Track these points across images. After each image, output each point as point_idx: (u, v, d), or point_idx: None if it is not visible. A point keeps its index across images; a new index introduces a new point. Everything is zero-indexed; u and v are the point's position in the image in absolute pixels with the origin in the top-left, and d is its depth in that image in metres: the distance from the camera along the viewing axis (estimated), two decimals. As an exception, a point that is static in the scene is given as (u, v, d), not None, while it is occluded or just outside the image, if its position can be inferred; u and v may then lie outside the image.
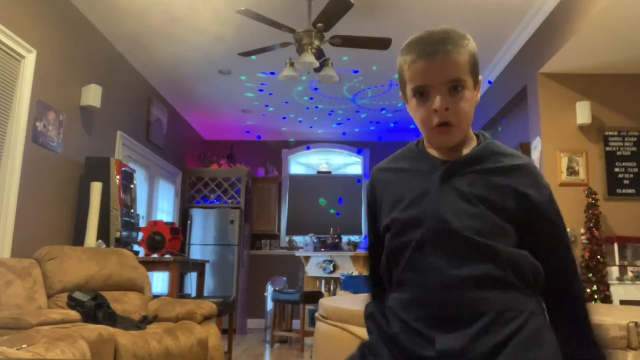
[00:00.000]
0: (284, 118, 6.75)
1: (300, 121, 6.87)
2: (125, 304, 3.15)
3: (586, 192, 3.95)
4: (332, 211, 7.44)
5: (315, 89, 5.67)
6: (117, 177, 4.00)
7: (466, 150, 1.04)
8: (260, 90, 5.75)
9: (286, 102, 6.15)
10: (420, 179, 1.03)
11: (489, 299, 0.93)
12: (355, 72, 5.15)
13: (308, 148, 7.70)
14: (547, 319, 1.00)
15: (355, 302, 2.42)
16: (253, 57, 4.41)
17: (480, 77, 1.04)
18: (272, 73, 5.18)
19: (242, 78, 5.41)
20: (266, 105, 6.27)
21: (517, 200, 0.98)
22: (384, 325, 1.02)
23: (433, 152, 1.06)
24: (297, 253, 6.02)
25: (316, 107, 6.30)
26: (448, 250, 0.96)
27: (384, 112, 6.41)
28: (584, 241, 3.88)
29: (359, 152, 7.66)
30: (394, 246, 1.02)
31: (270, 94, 5.87)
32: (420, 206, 1.00)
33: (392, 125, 6.92)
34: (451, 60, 0.96)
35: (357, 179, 7.61)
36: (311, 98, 6.00)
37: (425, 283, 0.96)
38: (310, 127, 7.15)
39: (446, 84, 0.96)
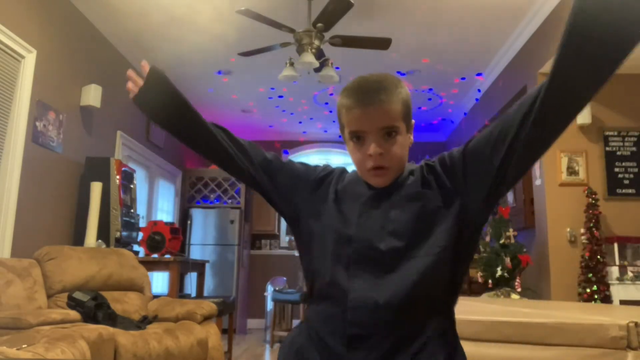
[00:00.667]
0: (292, 113, 6.75)
1: (300, 122, 6.87)
2: (125, 304, 3.15)
3: (586, 192, 3.95)
4: None
5: (330, 92, 5.67)
6: (117, 177, 4.00)
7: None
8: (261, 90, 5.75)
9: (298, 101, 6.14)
10: (354, 201, 1.08)
11: (402, 321, 0.97)
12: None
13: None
14: (450, 337, 1.02)
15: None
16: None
17: (412, 121, 1.09)
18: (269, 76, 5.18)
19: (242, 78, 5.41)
20: (283, 105, 6.27)
21: (442, 195, 1.02)
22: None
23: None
24: (297, 253, 6.01)
25: (326, 103, 6.30)
26: (371, 271, 1.00)
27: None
28: (584, 241, 3.88)
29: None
30: (319, 255, 1.07)
31: (270, 96, 5.88)
32: (351, 226, 1.04)
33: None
34: (384, 110, 1.01)
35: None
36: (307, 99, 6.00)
37: (346, 301, 0.99)
38: (322, 128, 7.15)
39: (380, 131, 1.02)
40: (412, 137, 1.10)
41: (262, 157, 1.20)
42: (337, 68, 4.34)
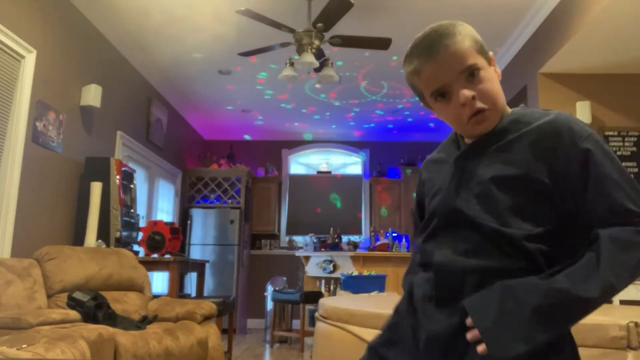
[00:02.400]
0: (275, 122, 6.75)
1: (300, 123, 6.87)
2: (125, 304, 3.15)
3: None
4: (338, 205, 7.47)
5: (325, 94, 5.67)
6: (117, 177, 4.00)
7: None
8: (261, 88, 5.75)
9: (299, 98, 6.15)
10: (447, 168, 1.02)
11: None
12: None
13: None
14: None
15: (355, 302, 2.42)
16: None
17: (490, 53, 1.01)
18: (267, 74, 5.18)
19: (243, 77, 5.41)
20: (283, 105, 6.27)
21: (541, 169, 0.90)
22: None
23: (469, 140, 1.02)
24: (297, 253, 6.01)
25: (329, 105, 6.30)
26: (458, 239, 0.95)
27: (379, 112, 6.41)
28: (584, 241, 3.88)
29: (357, 152, 7.66)
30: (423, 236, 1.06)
31: (270, 96, 5.87)
32: (439, 195, 1.01)
33: (390, 126, 6.92)
34: (453, 52, 0.93)
35: (358, 179, 7.62)
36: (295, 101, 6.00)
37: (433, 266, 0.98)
38: (322, 128, 7.15)
39: (461, 75, 0.94)
40: (498, 70, 1.01)
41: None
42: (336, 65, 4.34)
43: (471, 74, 0.94)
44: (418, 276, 1.04)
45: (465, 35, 0.95)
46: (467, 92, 0.92)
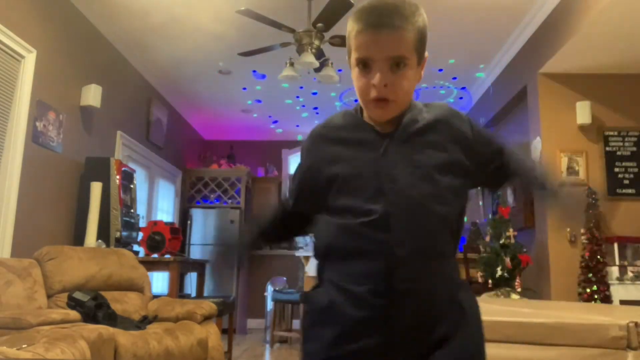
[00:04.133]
0: (275, 121, 6.75)
1: (299, 123, 6.87)
2: (125, 304, 3.15)
3: (586, 192, 3.95)
4: None
5: (315, 93, 5.68)
6: (117, 177, 4.00)
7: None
8: (257, 99, 5.75)
9: (297, 98, 6.15)
10: (366, 151, 1.00)
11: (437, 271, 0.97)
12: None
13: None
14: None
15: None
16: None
17: (426, 54, 1.02)
18: (263, 76, 5.18)
19: (240, 78, 5.41)
20: (276, 106, 6.27)
21: (460, 146, 1.01)
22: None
23: (371, 123, 1.03)
24: (297, 253, 6.01)
25: (314, 108, 6.30)
26: (410, 223, 0.95)
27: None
28: (584, 241, 3.88)
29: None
30: (345, 223, 0.97)
31: (270, 96, 5.87)
32: (375, 181, 0.96)
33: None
34: (396, 37, 0.94)
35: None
36: (297, 97, 6.00)
37: (384, 256, 0.93)
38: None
39: (388, 60, 0.95)
40: (422, 73, 1.02)
41: (289, 205, 1.18)
42: (339, 70, 4.35)
43: (397, 64, 0.95)
44: (339, 271, 0.98)
45: (417, 27, 0.97)
46: (381, 78, 0.95)
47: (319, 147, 1.06)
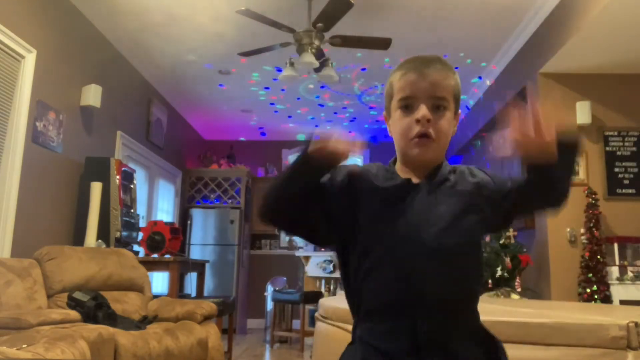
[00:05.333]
0: (290, 117, 6.75)
1: (300, 123, 6.87)
2: (125, 304, 3.15)
3: (586, 192, 3.95)
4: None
5: (323, 86, 5.68)
6: (117, 177, 4.00)
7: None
8: (267, 88, 5.75)
9: (298, 99, 6.15)
10: (396, 198, 1.03)
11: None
12: (363, 69, 5.16)
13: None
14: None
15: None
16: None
17: (459, 111, 1.09)
18: (279, 69, 5.18)
19: (254, 75, 5.41)
20: (271, 104, 6.27)
21: (479, 200, 1.05)
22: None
23: (404, 175, 1.06)
24: (297, 253, 6.01)
25: (320, 105, 6.30)
26: (435, 267, 0.97)
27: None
28: (584, 241, 3.88)
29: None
30: (368, 263, 1.00)
31: (270, 96, 5.87)
32: (403, 224, 0.99)
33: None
34: (440, 78, 1.02)
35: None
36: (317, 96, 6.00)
37: (413, 308, 0.95)
38: (316, 126, 7.15)
39: (432, 100, 1.01)
40: (456, 127, 1.08)
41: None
42: (339, 68, 4.35)
43: (438, 107, 1.02)
44: (367, 330, 1.00)
45: (455, 79, 1.06)
46: (427, 112, 1.00)
47: (369, 177, 1.08)
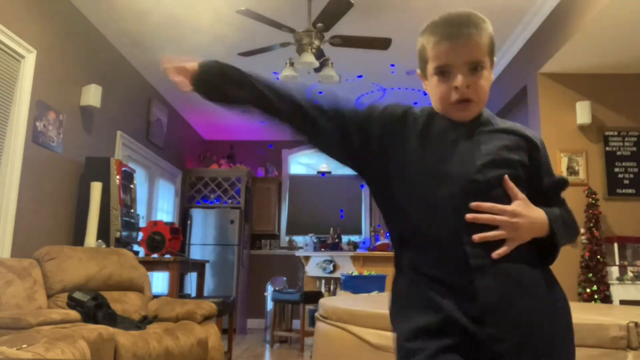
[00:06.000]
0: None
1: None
2: (125, 304, 3.15)
3: (586, 192, 3.95)
4: (338, 205, 7.47)
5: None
6: (117, 177, 4.00)
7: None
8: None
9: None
10: (447, 138, 1.06)
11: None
12: (360, 76, 5.16)
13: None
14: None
15: (355, 302, 2.42)
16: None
17: (495, 58, 1.10)
18: (276, 73, 5.18)
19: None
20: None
21: (527, 149, 1.09)
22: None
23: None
24: (297, 253, 6.02)
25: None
26: (482, 199, 1.01)
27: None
28: (584, 241, 3.88)
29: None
30: (419, 202, 1.03)
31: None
32: (448, 164, 1.02)
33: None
34: (473, 43, 1.02)
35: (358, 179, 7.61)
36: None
37: (465, 235, 0.99)
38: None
39: (467, 64, 1.02)
40: (492, 75, 1.10)
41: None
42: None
43: (474, 68, 1.03)
44: (416, 258, 1.03)
45: (488, 33, 1.06)
46: (464, 80, 1.02)
47: (406, 121, 1.10)
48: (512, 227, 0.99)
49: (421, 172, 1.03)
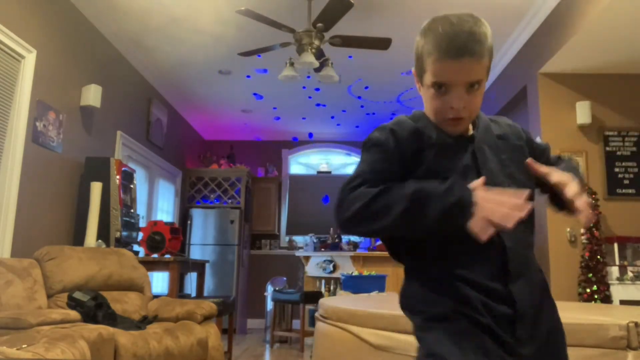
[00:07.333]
0: (277, 118, 6.75)
1: (300, 122, 6.87)
2: (125, 304, 3.15)
3: (586, 192, 3.95)
4: None
5: (317, 89, 5.68)
6: (117, 177, 4.00)
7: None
8: (257, 93, 5.75)
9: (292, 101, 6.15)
10: (454, 152, 1.06)
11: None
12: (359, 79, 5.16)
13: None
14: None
15: (355, 302, 2.42)
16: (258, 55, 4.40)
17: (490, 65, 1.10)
18: (265, 71, 5.18)
19: (246, 77, 5.41)
20: (274, 108, 6.27)
21: (528, 147, 1.16)
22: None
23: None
24: (297, 253, 6.01)
25: (318, 104, 6.30)
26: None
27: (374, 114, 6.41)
28: (584, 241, 3.88)
29: (358, 152, 7.66)
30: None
31: (270, 96, 5.87)
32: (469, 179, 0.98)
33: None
34: (474, 64, 1.00)
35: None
36: (310, 97, 6.01)
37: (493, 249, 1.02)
38: (322, 128, 7.15)
39: (466, 84, 1.01)
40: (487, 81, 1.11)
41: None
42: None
43: (472, 86, 1.02)
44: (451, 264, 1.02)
45: (488, 48, 1.02)
46: (460, 101, 1.01)
47: (411, 138, 1.07)
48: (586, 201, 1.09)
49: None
